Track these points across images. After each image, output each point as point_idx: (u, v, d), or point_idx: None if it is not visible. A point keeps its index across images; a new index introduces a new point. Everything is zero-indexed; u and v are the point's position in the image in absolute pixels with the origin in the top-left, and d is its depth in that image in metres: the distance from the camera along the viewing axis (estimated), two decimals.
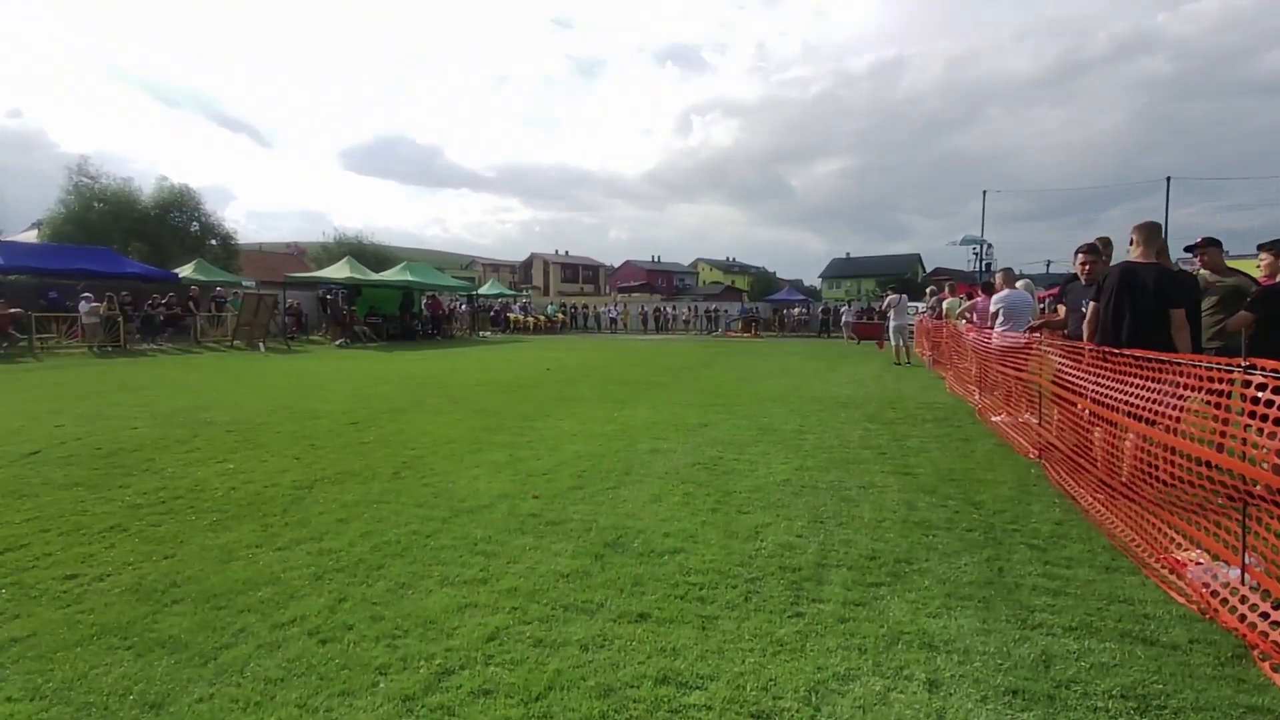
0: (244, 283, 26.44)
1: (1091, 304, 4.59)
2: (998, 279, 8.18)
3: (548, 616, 2.69)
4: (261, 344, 19.07)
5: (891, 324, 14.63)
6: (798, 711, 2.07)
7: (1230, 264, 5.37)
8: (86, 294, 17.60)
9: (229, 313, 21.02)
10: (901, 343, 14.42)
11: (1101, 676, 2.26)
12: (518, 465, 5.26)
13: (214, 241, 32.85)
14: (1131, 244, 4.55)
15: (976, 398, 8.27)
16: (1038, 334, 6.14)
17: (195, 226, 32.11)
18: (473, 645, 2.46)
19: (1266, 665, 2.30)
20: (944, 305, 13.24)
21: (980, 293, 9.83)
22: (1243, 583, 2.70)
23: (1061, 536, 3.66)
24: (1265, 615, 2.43)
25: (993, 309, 7.55)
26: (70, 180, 28.17)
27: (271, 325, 21.02)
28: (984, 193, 30.41)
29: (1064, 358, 4.91)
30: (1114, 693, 2.17)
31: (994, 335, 7.33)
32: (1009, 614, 2.71)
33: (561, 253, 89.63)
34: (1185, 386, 3.13)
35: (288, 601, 2.83)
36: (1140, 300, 4.25)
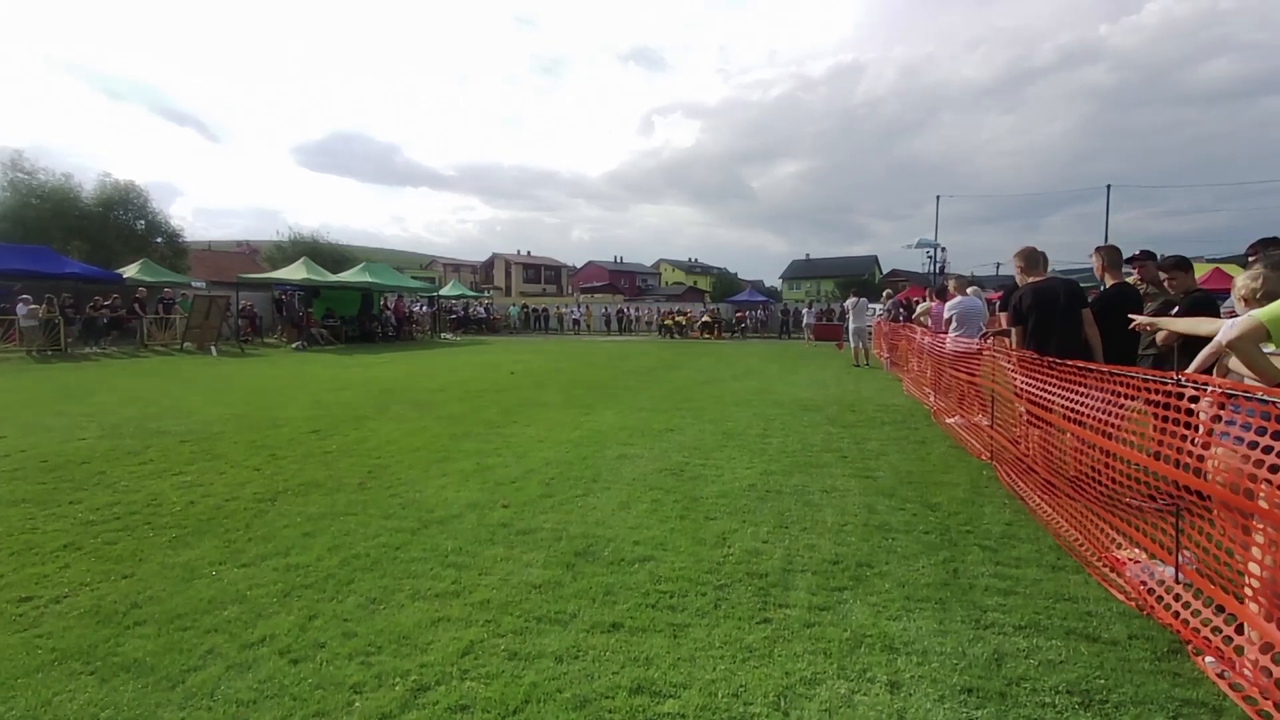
0: (193, 283, 25.57)
1: (1016, 329, 5.03)
2: (951, 285, 8.48)
3: (521, 629, 2.73)
4: (213, 347, 18.49)
5: (851, 326, 14.98)
6: (768, 717, 2.15)
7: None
8: (24, 296, 16.82)
9: (178, 315, 20.32)
10: (861, 345, 14.77)
11: (1049, 673, 2.40)
12: (486, 473, 5.25)
13: (160, 240, 31.68)
14: (1022, 270, 5.24)
15: (931, 400, 8.55)
16: (990, 340, 6.39)
17: (140, 224, 30.91)
18: (447, 660, 2.48)
19: (1200, 659, 2.47)
20: (917, 309, 13.58)
21: (934, 297, 10.15)
22: (1176, 581, 2.88)
23: (1011, 537, 3.84)
24: (1197, 613, 2.61)
25: (946, 315, 7.83)
26: (4, 176, 26.83)
27: (224, 328, 20.40)
28: (938, 198, 31.40)
29: (1013, 365, 5.14)
30: (1060, 688, 2.31)
31: (948, 340, 7.61)
32: (964, 615, 2.85)
33: (523, 253, 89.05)
34: (1124, 395, 3.33)
35: (256, 620, 2.80)
36: (1057, 310, 4.85)
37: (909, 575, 3.27)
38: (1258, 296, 3.08)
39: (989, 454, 5.69)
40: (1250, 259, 4.12)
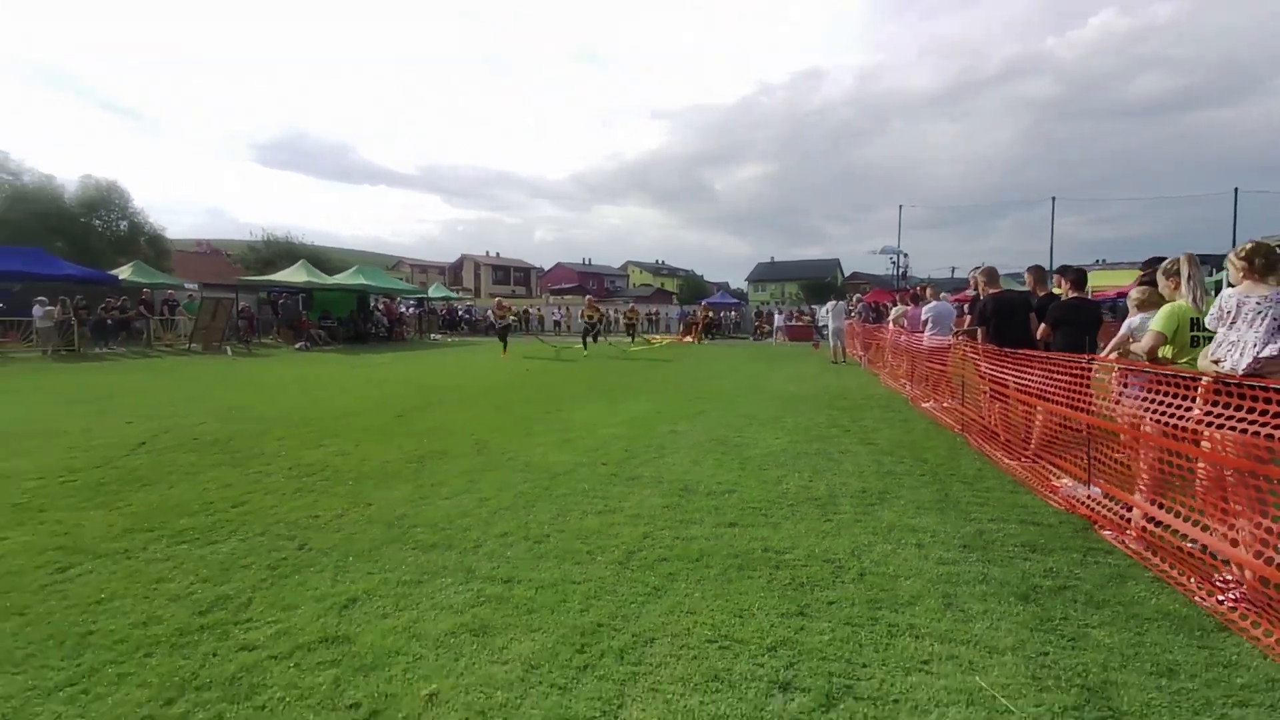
0: (185, 285, 26.03)
1: (981, 328, 6.59)
2: (927, 292, 10.14)
3: (672, 525, 4.11)
4: (228, 348, 19.22)
5: (831, 327, 16.66)
6: (848, 560, 3.58)
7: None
8: (40, 298, 17.36)
9: (182, 316, 20.94)
10: (839, 344, 16.45)
11: (1011, 539, 3.89)
12: (572, 444, 6.59)
13: (143, 240, 31.84)
14: (985, 284, 6.99)
15: (908, 389, 10.16)
16: (961, 338, 7.99)
17: (123, 225, 31.05)
18: (635, 541, 3.85)
19: (1101, 531, 3.99)
20: (893, 312, 15.25)
21: (910, 301, 11.82)
22: (1089, 494, 4.42)
23: (982, 477, 5.37)
24: (1101, 506, 4.15)
25: (924, 317, 9.45)
26: None
27: (226, 329, 21.08)
28: (900, 206, 33.57)
29: (983, 358, 6.72)
30: (1018, 544, 3.80)
31: (925, 338, 9.22)
32: (955, 515, 4.34)
33: (492, 254, 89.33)
34: (1062, 373, 4.88)
35: (489, 525, 4.11)
36: (1014, 315, 6.50)
37: (915, 497, 4.76)
38: (1142, 302, 4.68)
39: (960, 427, 7.26)
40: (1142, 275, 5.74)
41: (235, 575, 3.31)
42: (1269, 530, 2.71)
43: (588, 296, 29.63)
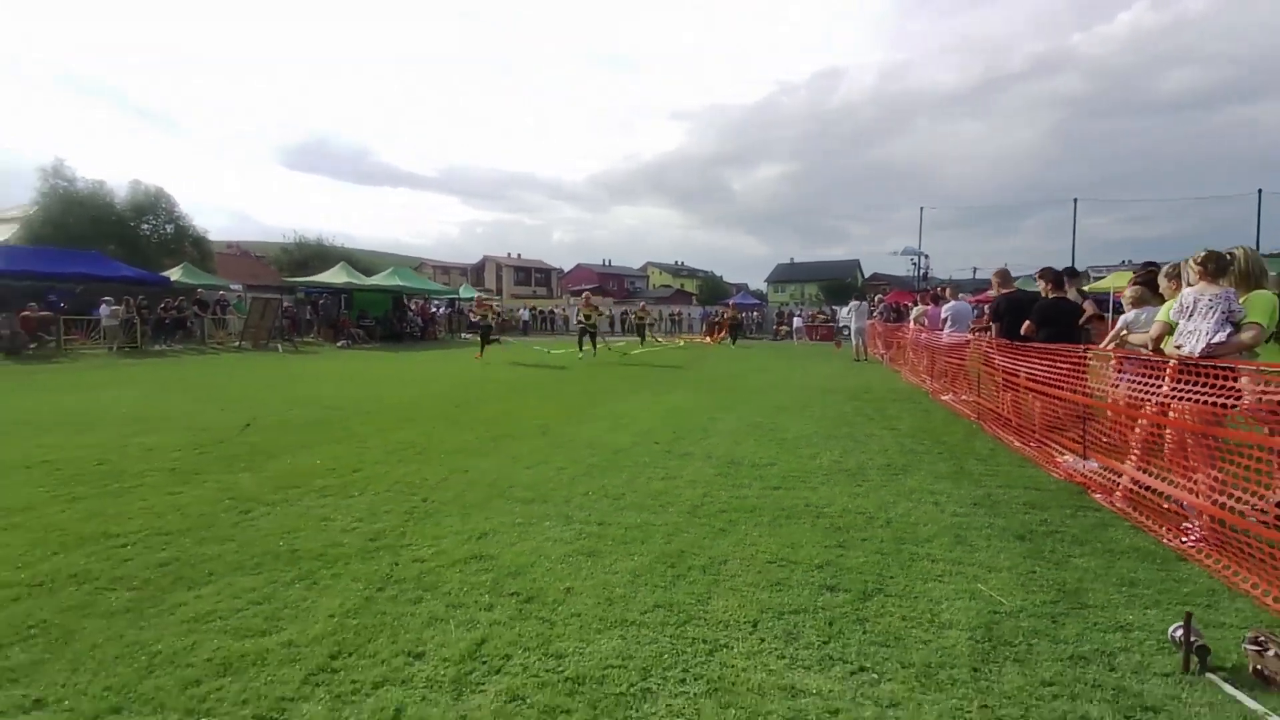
0: (231, 285, 27.26)
1: (995, 324, 7.24)
2: (947, 292, 10.81)
3: (726, 488, 4.87)
4: (279, 345, 20.30)
5: (853, 327, 17.32)
6: (877, 512, 4.31)
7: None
8: (106, 298, 18.54)
9: (233, 315, 22.08)
10: (861, 343, 17.10)
11: (1016, 499, 4.60)
12: (624, 427, 7.37)
13: (188, 243, 33.19)
14: (999, 285, 7.65)
15: (928, 384, 10.82)
16: (978, 335, 8.66)
17: (169, 228, 32.44)
18: (696, 499, 4.61)
19: (1092, 495, 4.69)
20: (913, 311, 15.87)
21: (930, 301, 12.47)
22: (1085, 467, 5.11)
23: (994, 455, 6.07)
24: (1092, 474, 4.84)
25: (943, 316, 10.12)
26: (45, 183, 28.25)
27: (273, 328, 22.18)
28: (921, 209, 33.99)
29: (996, 352, 7.40)
30: (1021, 503, 4.51)
31: (944, 335, 9.89)
32: (968, 483, 5.05)
33: (514, 255, 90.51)
34: (1064, 362, 5.57)
35: (571, 488, 4.89)
36: (1023, 313, 7.05)
37: (934, 469, 5.48)
38: (1136, 299, 5.37)
39: (976, 415, 7.94)
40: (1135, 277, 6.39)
41: (382, 518, 4.13)
42: (1217, 479, 3.41)
43: (585, 294, 26.80)
